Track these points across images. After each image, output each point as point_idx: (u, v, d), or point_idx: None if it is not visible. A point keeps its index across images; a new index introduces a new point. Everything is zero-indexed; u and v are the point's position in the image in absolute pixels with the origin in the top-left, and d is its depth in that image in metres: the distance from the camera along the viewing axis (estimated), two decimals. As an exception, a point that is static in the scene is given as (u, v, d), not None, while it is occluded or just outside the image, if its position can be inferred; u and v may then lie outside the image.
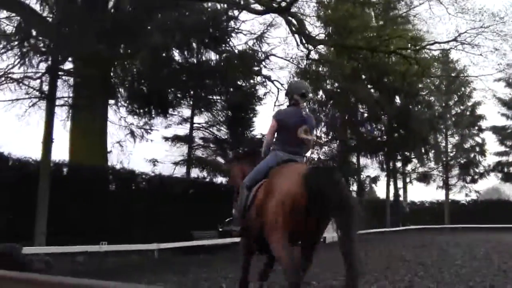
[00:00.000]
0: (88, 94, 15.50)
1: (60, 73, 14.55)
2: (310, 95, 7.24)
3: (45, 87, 13.94)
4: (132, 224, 15.41)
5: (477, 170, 41.88)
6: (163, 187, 17.68)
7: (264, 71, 23.74)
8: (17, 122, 14.84)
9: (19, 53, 13.33)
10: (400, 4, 27.09)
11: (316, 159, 36.70)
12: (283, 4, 20.81)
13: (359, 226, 5.07)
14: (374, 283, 9.86)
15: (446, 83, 39.60)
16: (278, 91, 25.27)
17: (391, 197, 37.93)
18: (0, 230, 12.00)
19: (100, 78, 15.44)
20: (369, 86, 34.47)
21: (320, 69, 29.00)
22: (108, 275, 10.97)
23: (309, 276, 10.97)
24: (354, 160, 38.42)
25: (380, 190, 51.02)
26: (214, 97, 22.57)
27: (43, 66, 13.93)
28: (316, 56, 27.22)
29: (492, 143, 43.22)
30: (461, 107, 42.71)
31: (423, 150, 36.29)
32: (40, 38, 13.73)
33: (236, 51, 20.12)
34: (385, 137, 36.61)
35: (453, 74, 37.06)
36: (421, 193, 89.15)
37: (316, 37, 25.45)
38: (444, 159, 41.30)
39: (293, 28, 24.46)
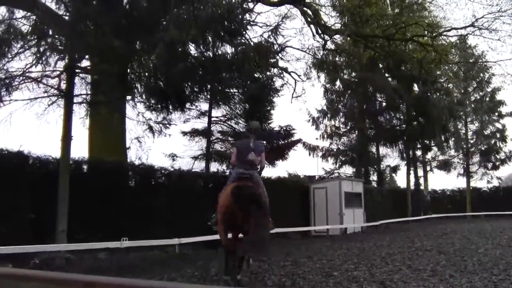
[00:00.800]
0: (106, 90, 15.55)
1: (77, 70, 14.61)
2: (259, 130, 10.42)
3: (63, 85, 14.02)
4: (152, 219, 15.44)
5: (498, 157, 41.55)
6: (183, 182, 17.70)
7: (281, 63, 23.71)
8: (36, 120, 14.87)
9: (36, 52, 13.40)
10: (415, -10, 26.86)
11: (335, 149, 36.71)
12: (298, -6, 20.70)
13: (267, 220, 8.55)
14: (397, 272, 9.82)
15: (464, 70, 39.17)
16: (295, 83, 25.27)
17: (412, 186, 37.69)
18: (22, 230, 12.12)
19: (117, 75, 15.45)
20: (386, 74, 34.27)
21: (337, 59, 28.82)
22: (129, 271, 11.05)
23: (330, 267, 10.99)
24: (374, 150, 38.25)
25: (401, 179, 51.01)
26: (231, 90, 22.50)
27: (60, 65, 14.01)
28: (332, 46, 27.11)
29: (512, 128, 42.85)
30: (480, 93, 42.36)
31: (442, 138, 35.91)
32: (57, 36, 13.78)
33: (252, 43, 20.03)
34: (404, 125, 36.37)
35: (471, 60, 36.70)
36: (442, 181, 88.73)
37: (332, 27, 25.34)
38: (465, 146, 40.95)
39: (309, 19, 24.39)
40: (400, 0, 27.22)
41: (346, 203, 24.35)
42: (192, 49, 19.11)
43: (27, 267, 10.73)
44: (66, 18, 14.33)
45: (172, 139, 21.38)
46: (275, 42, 21.26)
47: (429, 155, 41.28)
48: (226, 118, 23.58)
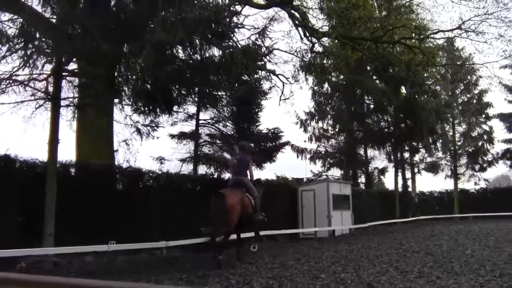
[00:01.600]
0: (93, 93, 15.48)
1: (64, 73, 14.55)
2: (246, 148, 15.06)
3: (51, 88, 13.94)
4: (140, 222, 15.42)
5: (485, 158, 41.73)
6: (171, 185, 17.67)
7: (269, 66, 23.69)
8: (23, 124, 14.79)
9: (23, 55, 13.33)
10: (403, -7, 27.01)
11: (323, 152, 36.79)
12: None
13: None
14: (384, 274, 9.87)
15: (451, 72, 39.36)
16: (283, 85, 25.25)
17: (400, 188, 37.81)
18: (9, 233, 12.06)
19: (104, 77, 15.40)
20: (374, 77, 34.40)
21: (324, 61, 28.87)
22: (117, 274, 11.02)
23: (318, 269, 11.02)
24: (362, 152, 38.38)
25: (389, 181, 51.12)
26: (219, 93, 22.50)
27: (48, 68, 13.95)
28: (320, 49, 27.14)
29: (499, 130, 43.23)
30: (468, 95, 42.62)
31: (430, 140, 36.05)
32: (44, 39, 13.72)
33: (240, 46, 20.03)
34: (391, 128, 36.51)
35: (458, 63, 36.83)
36: (429, 183, 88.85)
37: (320, 30, 25.37)
38: (452, 148, 41.14)
39: (296, 22, 24.41)
40: (388, 2, 27.30)
41: (334, 205, 24.41)
42: (179, 51, 19.12)
43: (14, 270, 10.67)
44: (53, 21, 14.29)
45: (160, 142, 21.42)
46: (262, 44, 21.31)
47: (416, 157, 41.40)
48: (214, 121, 23.57)
